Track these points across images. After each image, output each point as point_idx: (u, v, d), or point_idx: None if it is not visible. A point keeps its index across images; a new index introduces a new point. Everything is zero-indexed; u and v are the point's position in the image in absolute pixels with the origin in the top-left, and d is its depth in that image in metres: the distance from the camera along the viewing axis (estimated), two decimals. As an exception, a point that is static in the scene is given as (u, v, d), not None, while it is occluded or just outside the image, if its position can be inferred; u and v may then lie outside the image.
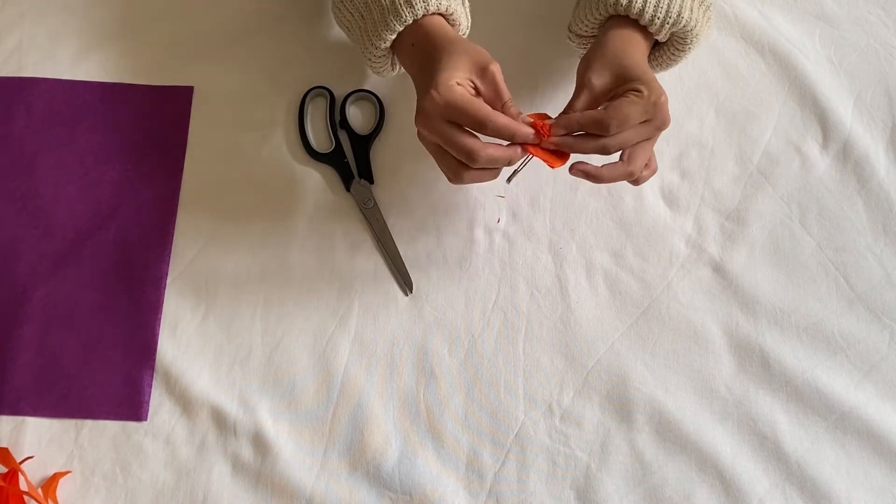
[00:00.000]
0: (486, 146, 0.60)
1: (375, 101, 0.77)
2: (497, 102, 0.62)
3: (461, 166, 0.61)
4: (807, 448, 0.68)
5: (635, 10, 0.64)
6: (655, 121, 0.61)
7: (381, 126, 0.77)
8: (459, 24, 0.68)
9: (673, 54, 0.69)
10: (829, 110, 0.78)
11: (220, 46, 0.79)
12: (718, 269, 0.73)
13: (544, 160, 0.62)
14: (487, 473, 0.68)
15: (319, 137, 0.77)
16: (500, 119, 0.60)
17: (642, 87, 0.60)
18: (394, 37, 0.65)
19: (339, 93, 0.78)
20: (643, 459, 0.68)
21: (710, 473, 0.68)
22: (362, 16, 0.67)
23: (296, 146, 0.76)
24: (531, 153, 0.62)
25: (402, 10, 0.64)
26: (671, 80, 0.78)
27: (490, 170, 0.62)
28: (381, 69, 0.70)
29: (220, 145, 0.76)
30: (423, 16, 0.64)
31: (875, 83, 0.79)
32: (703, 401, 0.69)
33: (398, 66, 0.71)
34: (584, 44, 0.71)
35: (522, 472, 0.68)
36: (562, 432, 0.69)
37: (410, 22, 0.64)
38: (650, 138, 0.62)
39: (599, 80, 0.62)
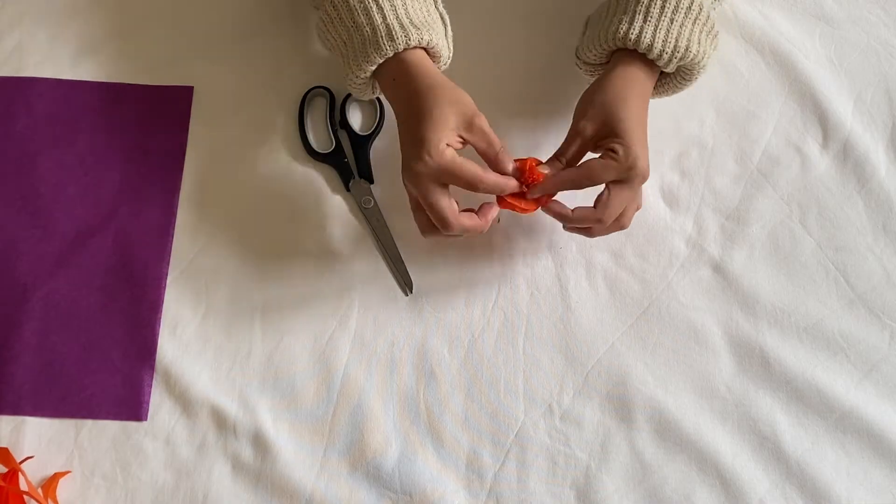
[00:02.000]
0: (461, 217, 0.63)
1: (375, 101, 0.77)
2: (490, 152, 0.64)
3: (433, 227, 0.64)
4: (807, 448, 0.68)
5: (643, 46, 0.64)
6: (629, 181, 0.63)
7: (381, 126, 0.77)
8: (440, 57, 0.68)
9: (678, 83, 0.70)
10: (829, 110, 0.77)
11: (220, 46, 0.79)
12: (718, 269, 0.73)
13: (520, 209, 0.65)
14: (487, 473, 0.68)
15: (319, 137, 0.77)
16: (490, 178, 0.63)
17: (619, 149, 0.62)
18: (373, 68, 0.66)
19: (339, 93, 0.78)
20: (643, 459, 0.68)
21: (710, 473, 0.68)
22: (345, 43, 0.67)
23: (296, 146, 0.76)
24: (507, 206, 0.65)
25: (383, 43, 0.64)
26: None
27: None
28: (362, 94, 0.71)
29: (219, 145, 0.76)
30: (405, 49, 0.65)
31: (875, 83, 0.79)
32: (703, 401, 0.69)
33: (377, 90, 0.71)
34: (590, 71, 0.71)
35: (522, 472, 0.68)
36: (562, 432, 0.69)
37: (391, 55, 0.65)
38: (626, 192, 0.64)
39: (591, 129, 0.64)
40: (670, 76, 0.69)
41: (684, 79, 0.69)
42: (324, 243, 0.73)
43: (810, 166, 0.76)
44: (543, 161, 0.66)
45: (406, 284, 0.72)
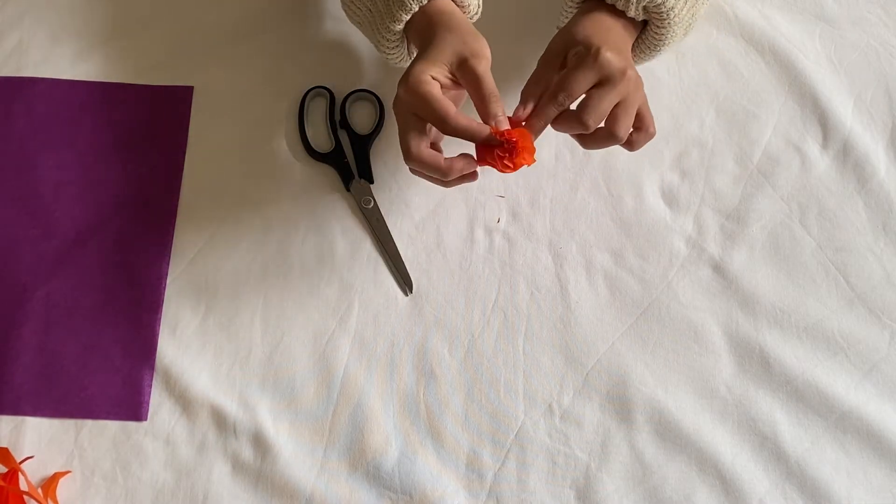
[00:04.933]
0: (422, 150, 0.60)
1: (375, 100, 0.77)
2: (476, 96, 0.61)
3: (408, 154, 0.62)
4: (807, 448, 0.68)
5: None
6: (608, 81, 0.59)
7: (381, 126, 0.77)
8: (468, 6, 0.67)
9: (654, 35, 0.67)
10: (829, 110, 0.78)
11: (220, 46, 0.79)
12: (718, 269, 0.73)
13: (499, 168, 0.60)
14: (487, 473, 0.68)
15: (319, 137, 0.77)
16: (459, 121, 0.59)
17: (581, 49, 0.60)
18: (401, 27, 0.65)
19: (339, 93, 0.78)
20: (643, 459, 0.68)
21: (710, 473, 0.68)
22: (370, 10, 0.67)
23: (296, 146, 0.76)
24: (484, 164, 0.61)
25: None
26: (671, 80, 0.79)
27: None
28: (398, 60, 0.70)
29: (219, 145, 0.76)
30: (429, 1, 0.64)
31: (875, 83, 0.79)
32: (703, 401, 0.69)
33: (414, 52, 0.70)
34: None
35: (522, 472, 0.68)
36: (562, 432, 0.69)
37: (416, 10, 0.64)
38: (625, 98, 0.60)
39: (553, 45, 0.62)
40: (645, 32, 0.67)
41: (658, 30, 0.66)
42: (324, 243, 0.73)
43: (810, 166, 0.76)
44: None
45: (406, 284, 0.72)
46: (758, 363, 0.70)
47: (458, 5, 0.66)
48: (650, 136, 0.63)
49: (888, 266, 0.73)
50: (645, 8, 0.65)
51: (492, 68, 0.61)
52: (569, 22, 0.65)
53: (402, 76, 0.61)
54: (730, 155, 0.77)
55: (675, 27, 0.67)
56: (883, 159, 0.76)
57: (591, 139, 0.61)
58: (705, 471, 0.68)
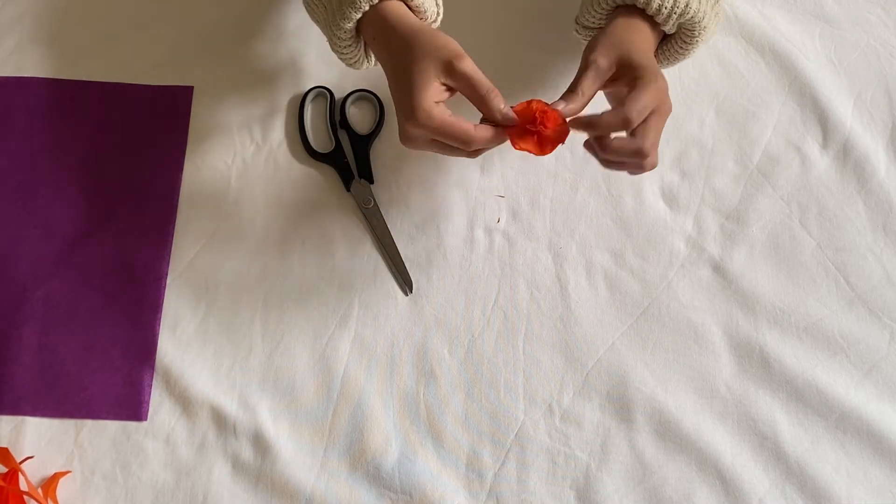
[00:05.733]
0: (473, 132, 0.60)
1: (375, 100, 0.77)
2: (474, 95, 0.61)
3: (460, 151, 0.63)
4: (807, 448, 0.68)
5: (642, 0, 0.64)
6: (661, 109, 0.61)
7: (381, 126, 0.77)
8: (424, 12, 0.66)
9: (681, 47, 0.68)
10: (829, 110, 0.77)
11: (220, 46, 0.79)
12: (718, 269, 0.73)
13: (536, 152, 0.61)
14: (487, 473, 0.68)
15: (319, 137, 0.77)
16: (483, 134, 0.60)
17: (647, 75, 0.61)
18: (351, 25, 0.64)
19: (339, 93, 0.78)
20: (643, 459, 0.68)
21: (710, 473, 0.68)
22: (325, 8, 0.66)
23: (296, 146, 0.76)
24: (521, 148, 0.61)
25: None
26: (671, 80, 0.78)
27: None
28: (352, 61, 0.69)
29: (220, 145, 0.76)
30: (381, 1, 0.63)
31: (875, 83, 0.79)
32: (703, 401, 0.69)
33: (372, 59, 0.70)
34: (590, 36, 0.70)
35: (522, 472, 0.68)
36: (562, 432, 0.69)
37: (367, 9, 0.63)
38: (662, 120, 0.62)
39: (604, 60, 0.62)
40: (672, 40, 0.68)
41: (686, 42, 0.68)
42: (324, 244, 0.73)
43: (810, 166, 0.76)
44: (548, 103, 0.62)
45: (406, 284, 0.72)
46: (758, 363, 0.70)
47: (412, 10, 0.66)
48: (655, 166, 0.63)
49: (888, 266, 0.73)
50: (681, 24, 0.66)
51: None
52: (614, 31, 0.64)
53: (403, 111, 0.61)
54: (730, 155, 0.77)
55: (702, 42, 0.68)
56: (883, 159, 0.76)
57: (619, 149, 0.61)
58: (705, 471, 0.68)
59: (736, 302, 0.72)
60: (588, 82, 0.62)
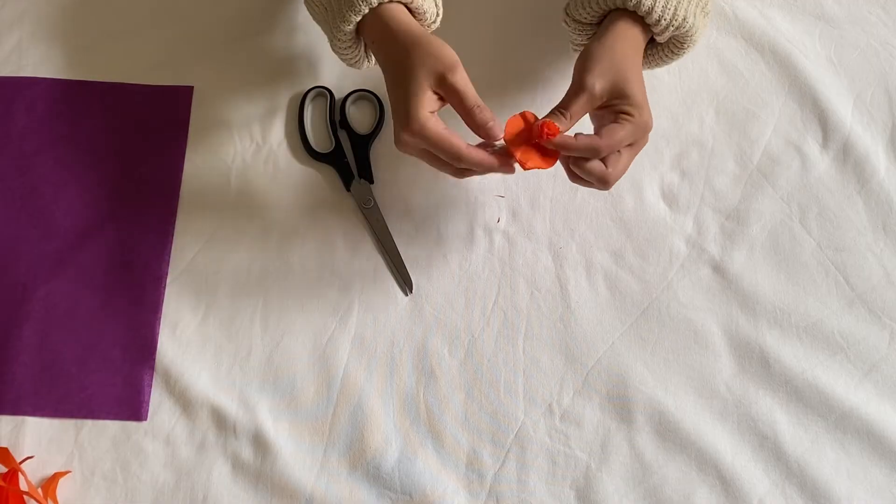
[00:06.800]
0: (470, 151, 0.61)
1: (375, 100, 0.77)
2: (461, 108, 0.62)
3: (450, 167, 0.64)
4: (807, 448, 0.68)
5: (644, 8, 0.63)
6: (639, 142, 0.64)
7: (381, 126, 0.77)
8: (423, 14, 0.66)
9: (667, 56, 0.69)
10: (829, 110, 0.77)
11: (220, 46, 0.79)
12: (718, 269, 0.73)
13: (543, 166, 0.62)
14: (487, 473, 0.68)
15: (319, 137, 0.77)
16: (472, 156, 0.61)
17: (634, 112, 0.62)
18: (350, 27, 0.65)
19: (339, 93, 0.78)
20: (643, 459, 0.68)
21: (710, 473, 0.68)
22: (326, 9, 0.67)
23: (296, 146, 0.76)
24: (530, 167, 0.62)
25: (358, 1, 0.63)
26: (671, 80, 0.78)
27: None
28: (353, 62, 0.70)
29: (220, 145, 0.76)
30: (380, 4, 0.64)
31: (875, 83, 0.79)
32: (703, 401, 0.69)
33: (373, 59, 0.70)
34: (579, 30, 0.69)
35: (522, 472, 0.68)
36: (562, 432, 0.69)
37: (367, 12, 0.64)
38: (635, 152, 0.64)
39: (600, 86, 0.62)
40: (660, 48, 0.69)
41: (674, 51, 0.68)
42: (324, 243, 0.73)
43: (810, 166, 0.76)
44: (536, 115, 0.63)
45: (406, 284, 0.72)
46: (758, 363, 0.70)
47: (412, 13, 0.66)
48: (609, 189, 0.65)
49: (888, 266, 0.73)
50: (674, 35, 0.66)
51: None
52: (611, 45, 0.64)
53: (399, 118, 0.61)
54: (730, 155, 0.77)
55: (687, 53, 0.68)
56: (883, 159, 0.76)
57: (583, 180, 0.63)
58: (705, 471, 0.68)
59: (736, 302, 0.72)
60: (578, 108, 0.62)
